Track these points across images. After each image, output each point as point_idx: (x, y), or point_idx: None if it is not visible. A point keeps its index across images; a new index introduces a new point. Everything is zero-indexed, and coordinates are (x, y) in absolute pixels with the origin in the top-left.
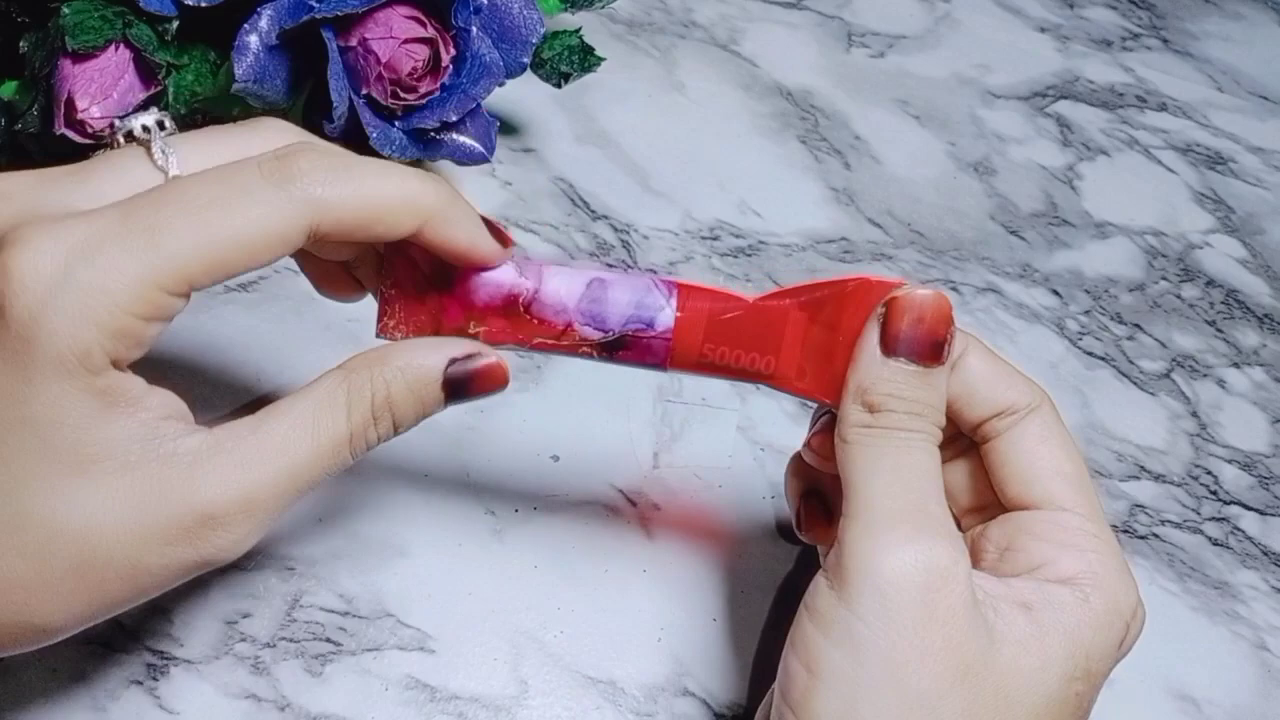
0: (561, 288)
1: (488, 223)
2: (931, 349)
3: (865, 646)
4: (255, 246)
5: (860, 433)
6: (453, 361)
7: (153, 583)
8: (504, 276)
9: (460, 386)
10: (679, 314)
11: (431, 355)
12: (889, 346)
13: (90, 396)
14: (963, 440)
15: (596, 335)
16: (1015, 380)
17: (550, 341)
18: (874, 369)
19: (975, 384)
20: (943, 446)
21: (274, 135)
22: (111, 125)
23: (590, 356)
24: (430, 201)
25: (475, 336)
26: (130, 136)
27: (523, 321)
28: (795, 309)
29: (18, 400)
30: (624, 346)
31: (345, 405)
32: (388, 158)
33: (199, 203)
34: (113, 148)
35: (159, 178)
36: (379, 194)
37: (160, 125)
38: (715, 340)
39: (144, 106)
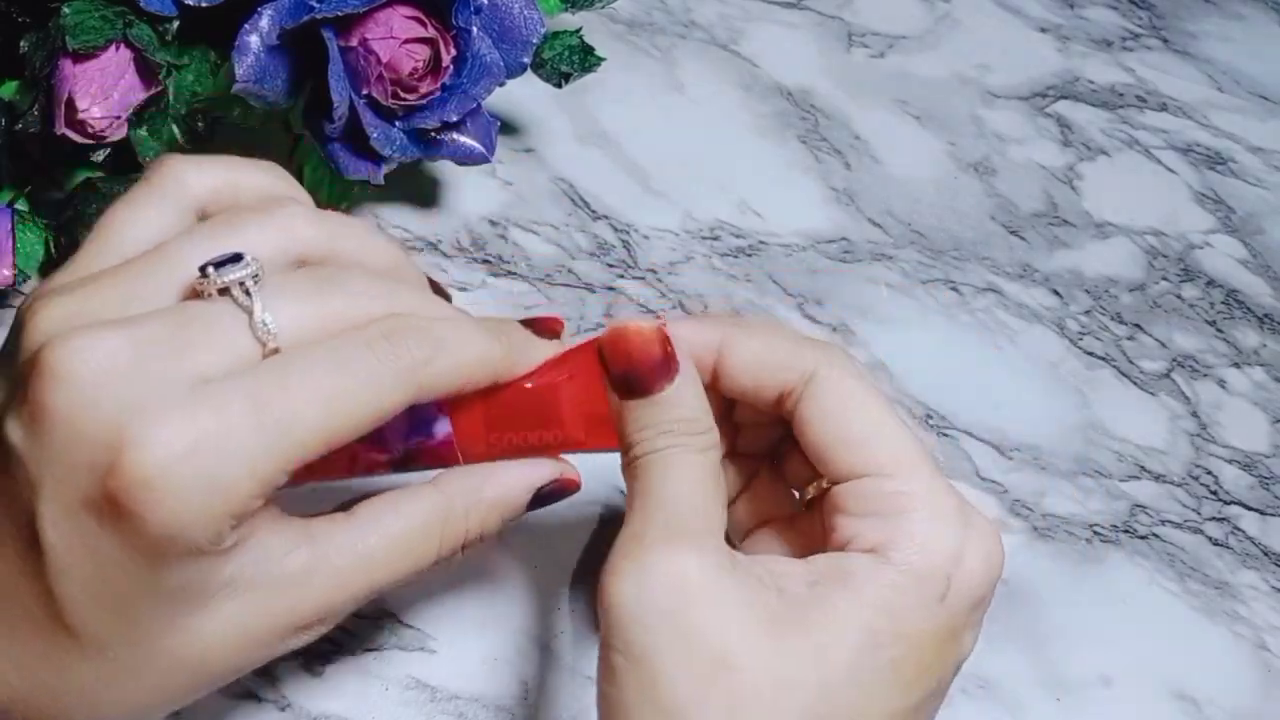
0: None
1: (532, 322)
2: (645, 383)
3: (623, 679)
4: (365, 426)
5: (625, 472)
6: (539, 490)
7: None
8: None
9: (541, 503)
10: (452, 416)
11: (521, 484)
12: (614, 390)
13: (214, 557)
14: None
15: (384, 457)
16: (786, 354)
17: (344, 474)
18: (617, 412)
19: (744, 375)
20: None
21: (361, 284)
22: (203, 272)
23: (387, 473)
24: (501, 357)
25: None
26: (225, 292)
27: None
28: (564, 379)
29: (146, 581)
30: (414, 459)
31: (439, 538)
32: (388, 158)
33: (324, 392)
34: (202, 297)
35: (255, 346)
36: (469, 363)
37: (255, 278)
38: (498, 429)
39: (145, 106)
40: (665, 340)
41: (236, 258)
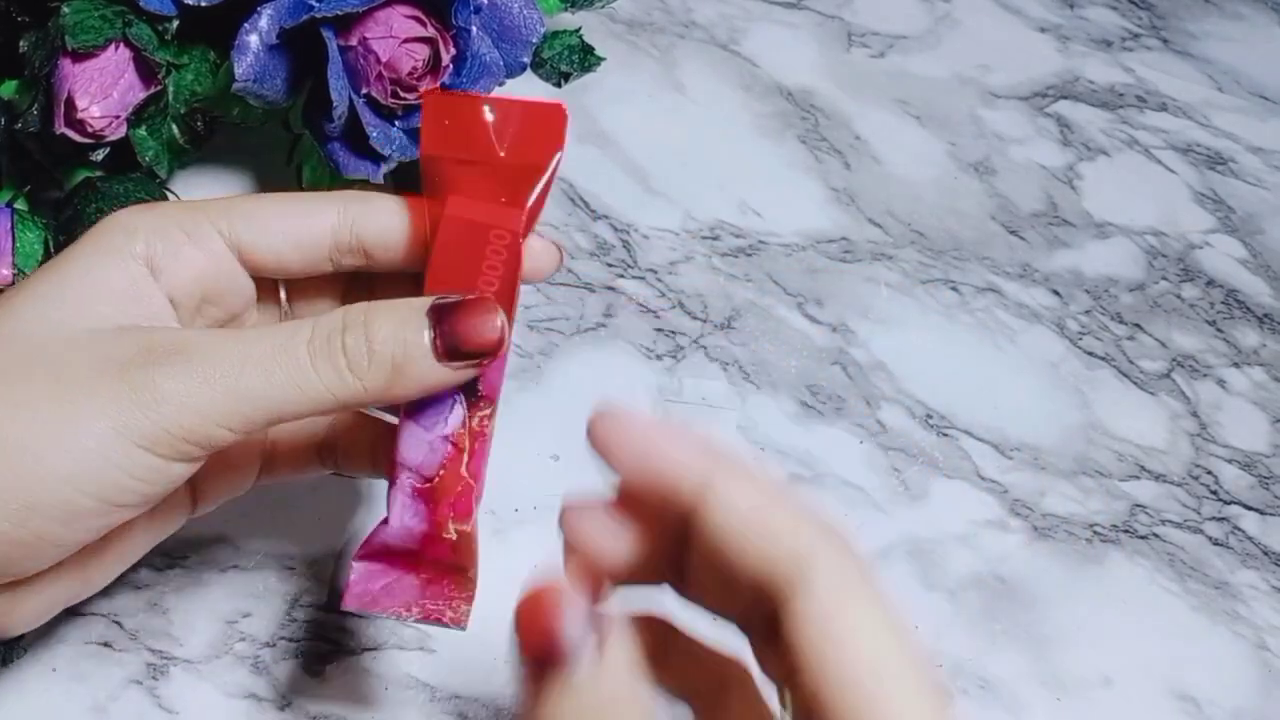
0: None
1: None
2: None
3: None
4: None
5: None
6: (439, 307)
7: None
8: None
9: (445, 314)
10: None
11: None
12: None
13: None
14: None
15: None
16: (768, 537)
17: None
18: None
19: (726, 539)
20: None
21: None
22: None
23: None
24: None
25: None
26: None
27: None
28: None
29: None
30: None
31: (308, 325)
32: (388, 157)
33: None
34: None
35: None
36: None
37: None
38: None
39: (144, 106)
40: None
41: None
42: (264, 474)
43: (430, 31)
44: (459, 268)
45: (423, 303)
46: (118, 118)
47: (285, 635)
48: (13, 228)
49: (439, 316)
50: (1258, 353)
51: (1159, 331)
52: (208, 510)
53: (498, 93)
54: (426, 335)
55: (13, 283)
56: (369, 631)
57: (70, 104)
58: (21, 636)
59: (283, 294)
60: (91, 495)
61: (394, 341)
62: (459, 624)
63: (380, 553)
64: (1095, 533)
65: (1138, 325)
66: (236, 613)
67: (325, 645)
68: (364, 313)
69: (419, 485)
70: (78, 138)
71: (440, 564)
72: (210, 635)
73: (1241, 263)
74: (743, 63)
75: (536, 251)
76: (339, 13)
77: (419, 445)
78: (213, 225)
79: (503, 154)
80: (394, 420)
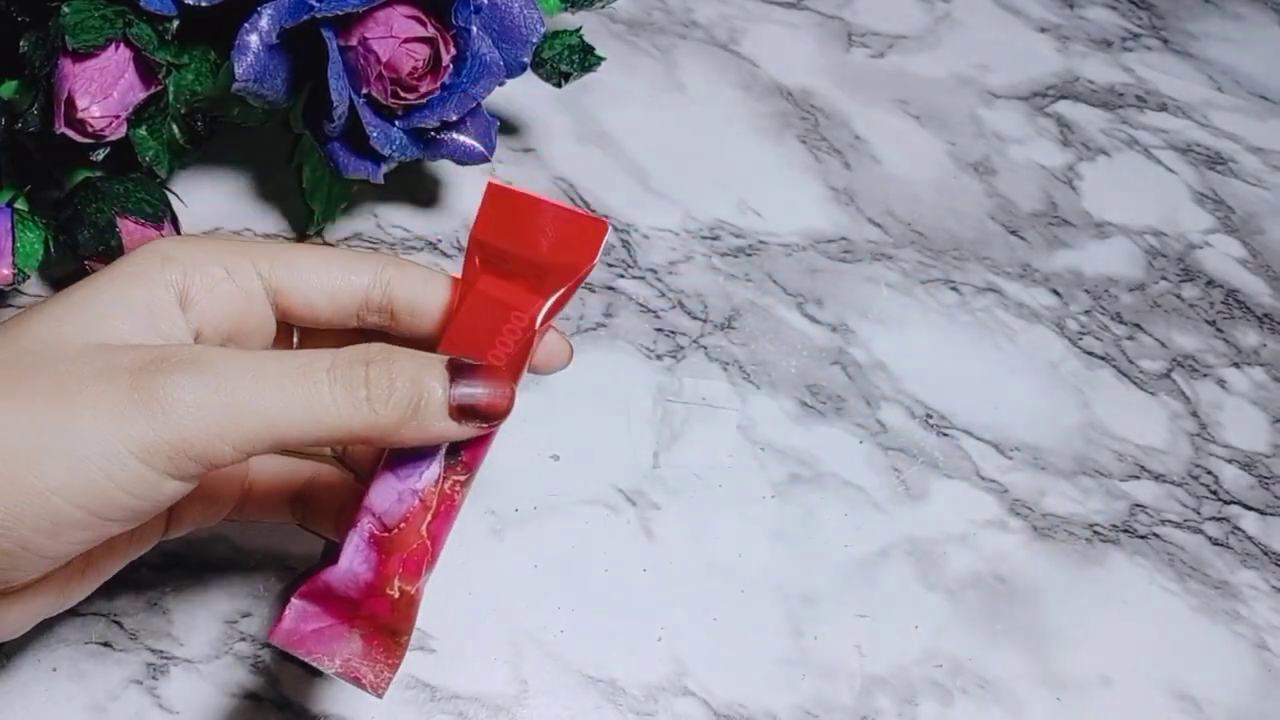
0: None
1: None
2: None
3: None
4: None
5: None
6: (456, 364)
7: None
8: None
9: (462, 372)
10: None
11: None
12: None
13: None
14: None
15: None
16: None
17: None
18: None
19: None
20: None
21: None
22: None
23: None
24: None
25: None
26: None
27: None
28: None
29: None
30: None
31: (329, 354)
32: (388, 157)
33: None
34: None
35: None
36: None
37: None
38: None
39: (145, 106)
40: None
41: None
42: (235, 511)
43: (430, 31)
44: (475, 336)
45: (442, 357)
46: (118, 118)
47: None
48: (13, 228)
49: (455, 373)
50: (1258, 353)
51: (1159, 331)
52: (177, 535)
53: (498, 92)
54: (444, 386)
55: (13, 282)
56: None
57: (70, 104)
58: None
59: (295, 339)
60: (81, 507)
61: (415, 383)
62: (377, 690)
63: (320, 594)
64: (1095, 533)
65: (1138, 325)
66: (236, 613)
67: None
68: (388, 351)
69: (377, 532)
70: (78, 138)
71: (375, 621)
72: (210, 635)
73: (1241, 263)
74: (743, 63)
75: (550, 345)
76: (339, 13)
77: (388, 493)
78: (254, 266)
79: (542, 251)
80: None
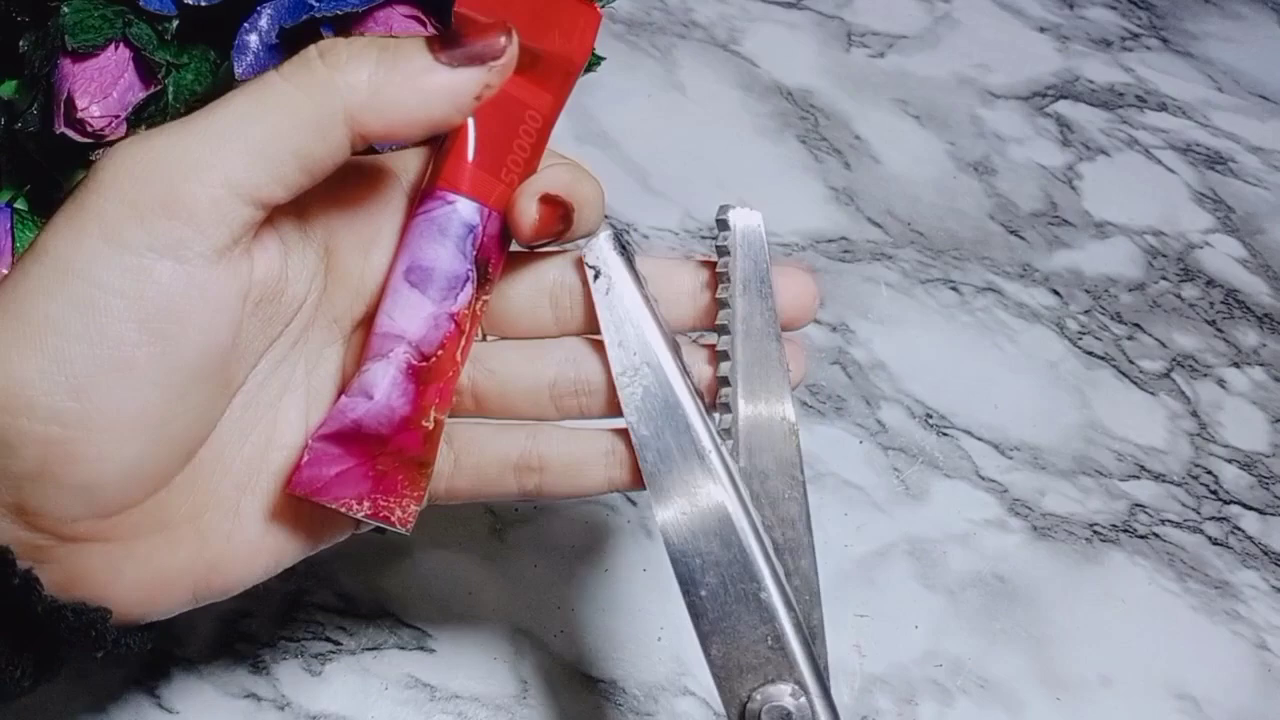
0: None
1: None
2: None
3: None
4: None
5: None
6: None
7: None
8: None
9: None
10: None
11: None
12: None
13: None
14: None
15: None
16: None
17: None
18: None
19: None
20: None
21: None
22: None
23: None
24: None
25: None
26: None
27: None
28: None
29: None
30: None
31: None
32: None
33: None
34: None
35: None
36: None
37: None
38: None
39: (144, 105)
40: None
41: None
42: (446, 491)
43: (430, 31)
44: (491, 139)
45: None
46: (117, 117)
47: (285, 635)
48: (12, 228)
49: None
50: (1258, 352)
51: (1159, 331)
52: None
53: None
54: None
55: None
56: (368, 631)
57: (70, 104)
58: (149, 627)
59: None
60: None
61: (375, 41)
62: (405, 525)
63: (346, 435)
64: (1095, 532)
65: (1137, 325)
66: (236, 612)
67: (325, 645)
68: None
69: (415, 362)
70: (78, 137)
71: (402, 455)
72: (210, 635)
73: (1241, 262)
74: (742, 63)
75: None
76: (339, 12)
77: (422, 318)
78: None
79: (532, 35)
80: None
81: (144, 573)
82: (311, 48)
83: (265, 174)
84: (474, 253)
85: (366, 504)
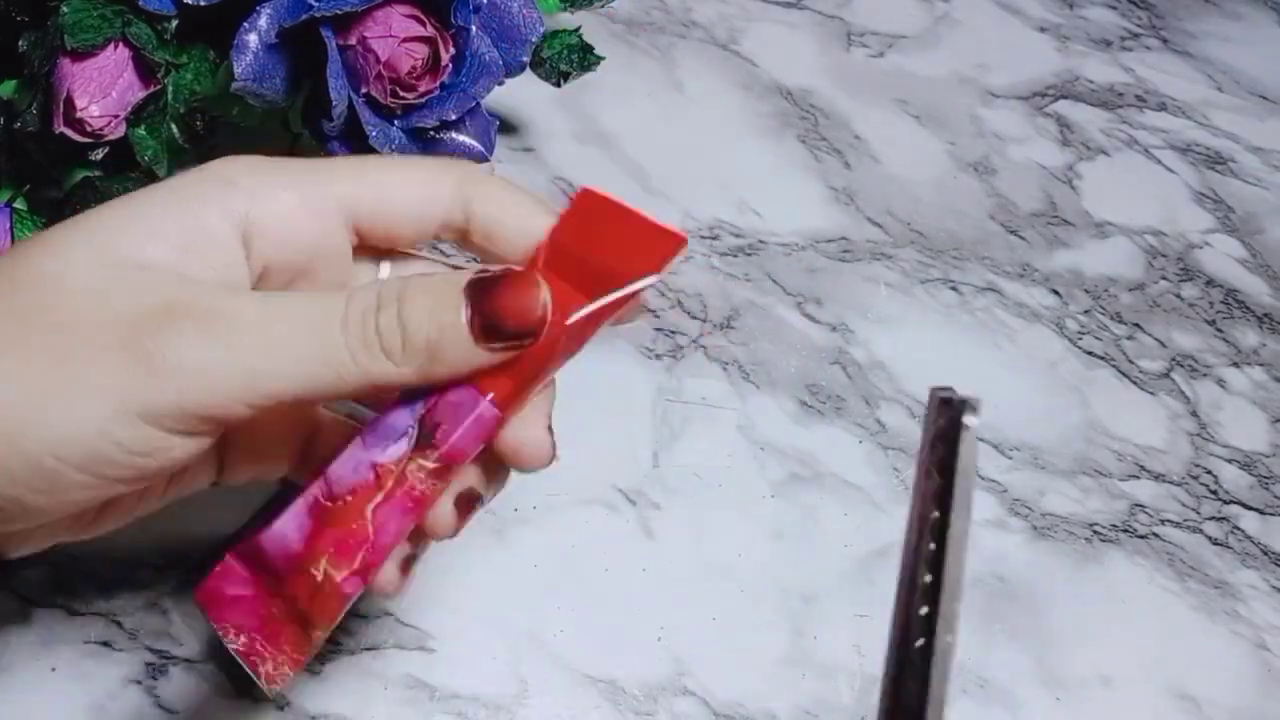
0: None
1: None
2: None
3: None
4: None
5: None
6: (473, 278)
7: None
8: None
9: (483, 290)
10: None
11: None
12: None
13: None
14: None
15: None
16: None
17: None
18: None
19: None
20: None
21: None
22: None
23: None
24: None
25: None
26: None
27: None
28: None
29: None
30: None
31: (343, 301)
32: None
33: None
34: None
35: None
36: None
37: None
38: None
39: (144, 105)
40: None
41: None
42: (304, 464)
43: (429, 31)
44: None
45: (460, 278)
46: (117, 117)
47: None
48: (12, 227)
49: (477, 293)
50: (1257, 352)
51: (1159, 331)
52: (235, 482)
53: (497, 92)
54: (463, 314)
55: None
56: (368, 631)
57: (69, 103)
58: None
59: (384, 271)
60: (78, 468)
61: (428, 324)
62: (270, 684)
63: (252, 555)
64: (1095, 532)
65: (1137, 325)
66: None
67: (325, 645)
68: (399, 291)
69: (321, 499)
70: (77, 137)
71: (293, 604)
72: (210, 635)
73: (1241, 262)
74: (742, 62)
75: (531, 438)
76: (338, 12)
77: (348, 460)
78: (333, 189)
79: (608, 257)
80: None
81: (38, 543)
82: (374, 305)
83: (286, 404)
84: (421, 410)
85: (244, 640)
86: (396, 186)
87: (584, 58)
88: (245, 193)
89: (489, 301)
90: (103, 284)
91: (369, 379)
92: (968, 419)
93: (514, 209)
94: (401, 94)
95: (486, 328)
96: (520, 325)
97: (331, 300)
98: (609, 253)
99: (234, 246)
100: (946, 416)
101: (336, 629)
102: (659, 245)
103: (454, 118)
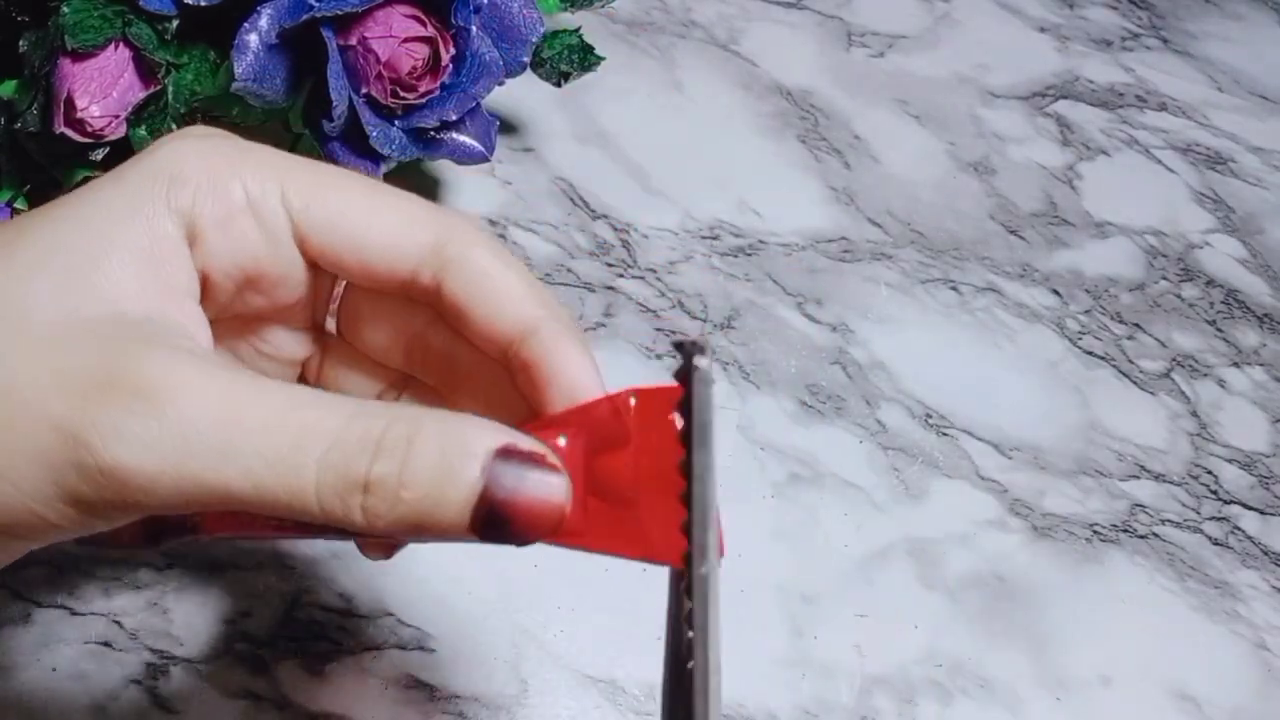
0: None
1: None
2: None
3: None
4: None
5: None
6: (504, 448)
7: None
8: None
9: (508, 478)
10: None
11: (482, 431)
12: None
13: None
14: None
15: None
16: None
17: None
18: None
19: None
20: None
21: None
22: None
23: (331, 535)
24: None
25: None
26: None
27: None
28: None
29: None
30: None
31: (333, 426)
32: (388, 157)
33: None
34: None
35: None
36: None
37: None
38: None
39: (144, 105)
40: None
41: None
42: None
43: (430, 31)
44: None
45: (487, 438)
46: (117, 117)
47: (285, 635)
48: None
49: (499, 479)
50: (1258, 352)
51: (1159, 331)
52: None
53: (497, 92)
54: (473, 490)
55: None
56: (368, 631)
57: (70, 103)
58: None
59: (334, 304)
60: (3, 530)
61: (429, 497)
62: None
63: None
64: (1095, 532)
65: (1137, 325)
66: (236, 612)
67: (325, 645)
68: (408, 437)
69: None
70: (77, 137)
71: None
72: (210, 635)
73: (1241, 262)
74: (742, 62)
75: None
76: (339, 12)
77: None
78: (282, 196)
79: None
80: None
81: None
82: (371, 450)
83: (198, 509)
84: None
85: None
86: (363, 217)
87: (584, 58)
88: (190, 189)
89: (510, 496)
90: (58, 338)
91: (326, 521)
92: (698, 360)
93: (491, 293)
94: (402, 94)
95: (490, 519)
96: (524, 534)
97: (319, 419)
98: (629, 501)
99: (185, 252)
100: (682, 362)
101: (337, 629)
102: (674, 541)
103: (454, 118)
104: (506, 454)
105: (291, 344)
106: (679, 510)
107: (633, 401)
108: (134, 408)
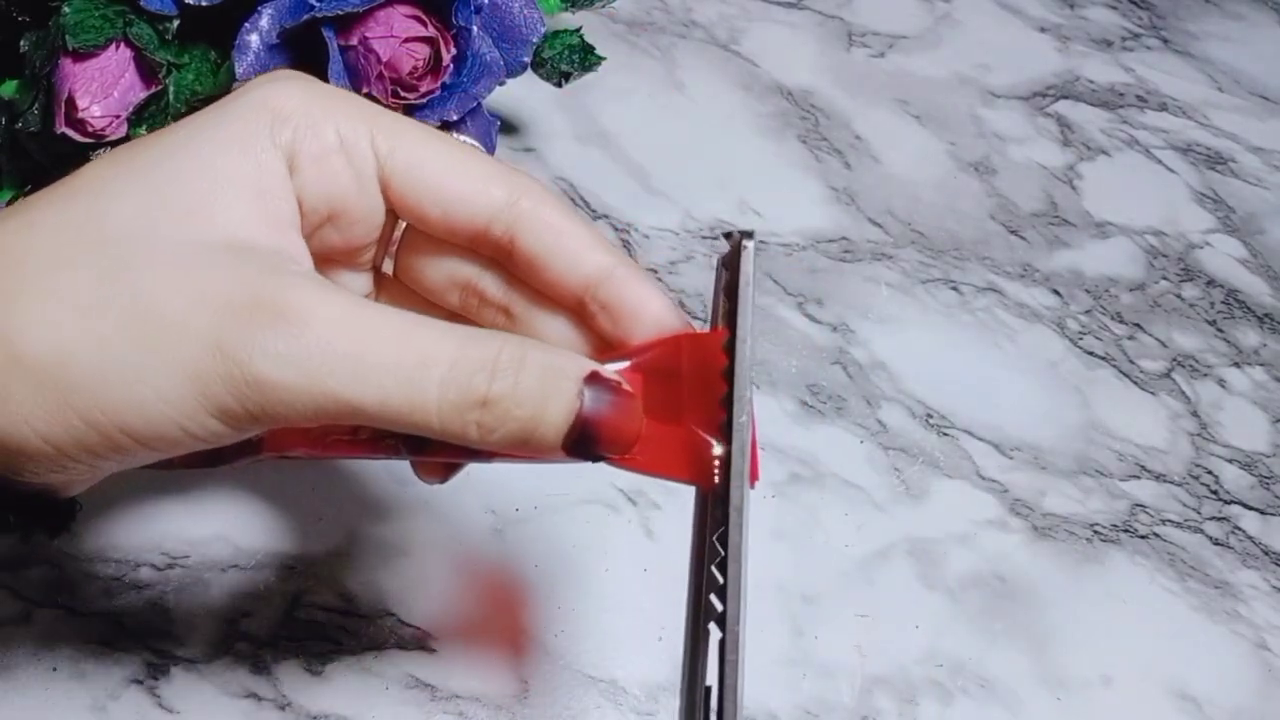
0: None
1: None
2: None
3: None
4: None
5: None
6: (593, 375)
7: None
8: None
9: (599, 398)
10: None
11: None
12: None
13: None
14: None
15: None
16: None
17: (346, 441)
18: None
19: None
20: None
21: None
22: None
23: (398, 454)
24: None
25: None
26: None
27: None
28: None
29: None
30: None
31: (450, 350)
32: None
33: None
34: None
35: None
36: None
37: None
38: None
39: (145, 105)
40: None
41: None
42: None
43: (431, 31)
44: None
45: (580, 366)
46: (118, 117)
47: (285, 635)
48: None
49: (594, 400)
50: (1258, 352)
51: (1159, 331)
52: None
53: (498, 92)
54: (570, 409)
55: None
56: (369, 631)
57: (71, 103)
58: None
59: (393, 247)
60: (148, 447)
61: (535, 415)
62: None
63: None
64: (1095, 532)
65: (1138, 325)
66: (236, 612)
67: (325, 645)
68: (516, 363)
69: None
70: (78, 137)
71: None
72: (210, 635)
73: (1241, 262)
74: (743, 62)
75: None
76: (339, 12)
77: None
78: (371, 142)
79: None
80: None
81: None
82: (486, 374)
83: (331, 422)
84: None
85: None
86: (439, 170)
87: (585, 58)
88: (291, 126)
89: (598, 416)
90: (190, 262)
91: (443, 435)
92: (746, 243)
93: (567, 243)
94: (403, 94)
95: (582, 436)
96: (607, 450)
97: (437, 343)
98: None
99: (289, 186)
100: (730, 247)
101: (337, 629)
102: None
103: (455, 118)
104: (594, 380)
105: (353, 282)
106: (720, 439)
107: (685, 342)
108: (278, 327)
